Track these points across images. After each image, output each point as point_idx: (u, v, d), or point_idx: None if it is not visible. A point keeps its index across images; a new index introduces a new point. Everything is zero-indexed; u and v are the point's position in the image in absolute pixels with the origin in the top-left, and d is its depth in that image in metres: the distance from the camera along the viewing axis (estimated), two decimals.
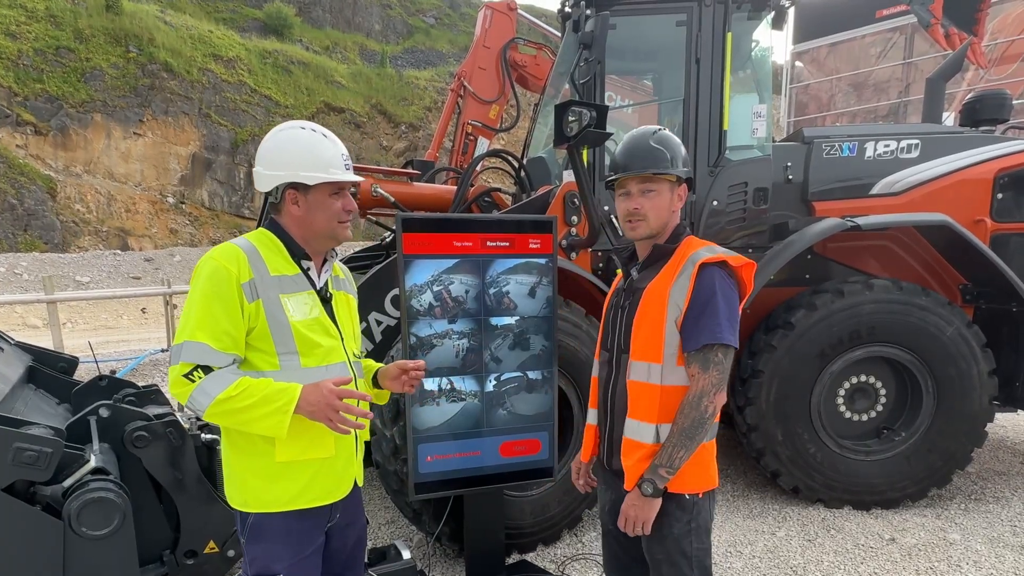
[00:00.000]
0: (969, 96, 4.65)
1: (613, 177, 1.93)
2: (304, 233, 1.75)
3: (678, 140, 1.92)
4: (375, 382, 1.97)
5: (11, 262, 16.71)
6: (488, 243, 2.76)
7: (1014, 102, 5.20)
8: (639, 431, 1.82)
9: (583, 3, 3.89)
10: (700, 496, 1.83)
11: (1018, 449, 5.03)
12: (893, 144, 4.11)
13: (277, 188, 1.71)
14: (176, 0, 26.88)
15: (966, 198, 4.04)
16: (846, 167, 4.13)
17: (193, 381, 1.55)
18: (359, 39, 31.00)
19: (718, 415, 1.82)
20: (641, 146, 1.87)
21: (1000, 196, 4.05)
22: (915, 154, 4.09)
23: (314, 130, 1.74)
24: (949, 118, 5.46)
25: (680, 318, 1.76)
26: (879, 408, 3.94)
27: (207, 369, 1.56)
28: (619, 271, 2.08)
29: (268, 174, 1.70)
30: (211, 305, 1.59)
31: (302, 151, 1.69)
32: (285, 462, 1.69)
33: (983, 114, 4.37)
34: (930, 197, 4.04)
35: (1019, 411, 4.15)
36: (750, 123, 4.13)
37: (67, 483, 2.27)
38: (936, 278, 4.19)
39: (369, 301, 3.39)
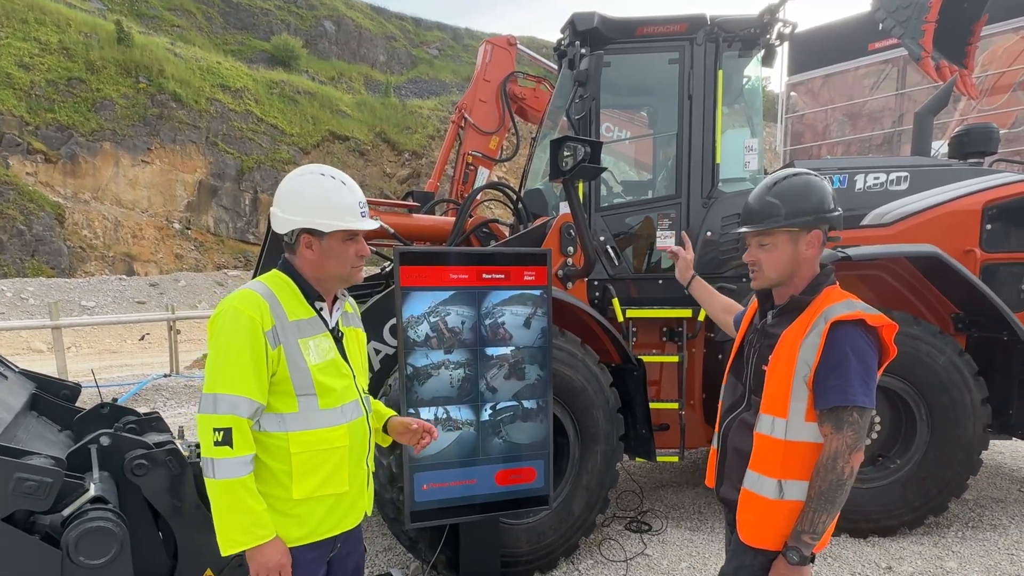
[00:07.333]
0: (957, 130, 4.74)
1: (739, 231, 1.88)
2: (317, 275, 1.78)
3: (807, 186, 1.80)
4: (384, 427, 2.04)
5: (18, 287, 16.87)
6: (484, 275, 2.84)
7: (1002, 132, 5.31)
8: (759, 484, 1.76)
9: (578, 42, 4.02)
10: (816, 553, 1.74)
11: (1015, 476, 5.01)
12: (883, 176, 4.19)
13: (292, 231, 1.74)
14: (186, 33, 27.57)
15: (955, 229, 4.09)
16: (836, 198, 4.21)
17: (219, 448, 1.60)
18: (364, 70, 31.64)
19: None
20: (757, 199, 1.82)
21: (989, 227, 4.10)
22: (904, 186, 4.16)
23: (333, 177, 1.76)
24: (942, 147, 5.54)
25: (810, 376, 1.70)
26: (874, 435, 3.95)
27: (228, 434, 1.60)
28: (754, 301, 2.02)
29: (285, 217, 1.74)
30: (238, 354, 1.62)
31: (320, 198, 1.72)
32: (301, 499, 1.72)
33: (971, 147, 4.45)
34: (920, 228, 4.09)
35: (1015, 438, 4.15)
36: (742, 156, 4.24)
37: (66, 512, 2.28)
38: (928, 307, 4.23)
39: (368, 330, 3.43)
